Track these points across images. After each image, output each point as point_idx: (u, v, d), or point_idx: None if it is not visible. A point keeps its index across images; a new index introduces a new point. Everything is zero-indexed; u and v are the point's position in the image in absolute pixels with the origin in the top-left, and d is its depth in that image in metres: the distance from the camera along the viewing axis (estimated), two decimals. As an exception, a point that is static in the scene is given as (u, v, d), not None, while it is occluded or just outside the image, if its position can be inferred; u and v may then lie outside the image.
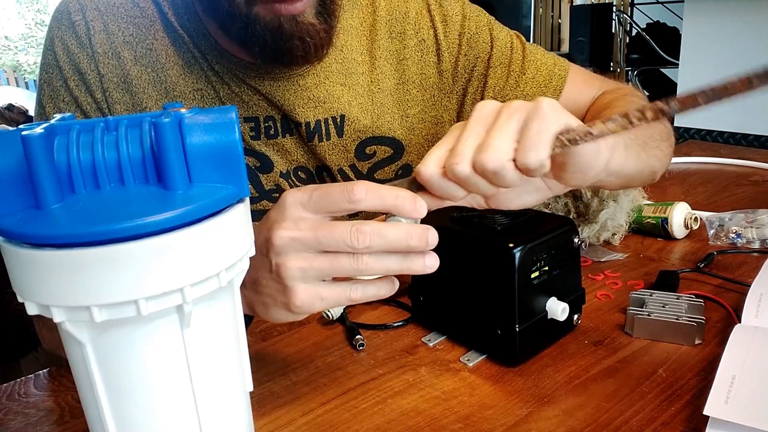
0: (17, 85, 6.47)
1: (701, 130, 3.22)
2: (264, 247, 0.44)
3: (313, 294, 0.44)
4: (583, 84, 0.82)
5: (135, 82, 0.69)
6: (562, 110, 0.42)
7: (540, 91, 0.81)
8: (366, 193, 0.42)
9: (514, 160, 0.42)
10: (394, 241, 0.42)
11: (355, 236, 0.41)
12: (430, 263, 0.44)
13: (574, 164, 0.44)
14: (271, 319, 0.48)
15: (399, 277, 0.72)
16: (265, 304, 0.47)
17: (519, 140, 0.42)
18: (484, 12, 0.84)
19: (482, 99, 0.81)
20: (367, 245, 0.41)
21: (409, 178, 0.45)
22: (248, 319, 0.58)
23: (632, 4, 4.77)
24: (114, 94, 0.69)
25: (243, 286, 0.47)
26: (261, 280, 0.45)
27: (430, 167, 0.43)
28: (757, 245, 0.78)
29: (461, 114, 0.84)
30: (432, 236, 0.42)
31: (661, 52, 4.00)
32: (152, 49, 0.69)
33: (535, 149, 0.41)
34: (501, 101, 0.81)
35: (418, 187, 0.45)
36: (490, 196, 0.47)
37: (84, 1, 0.69)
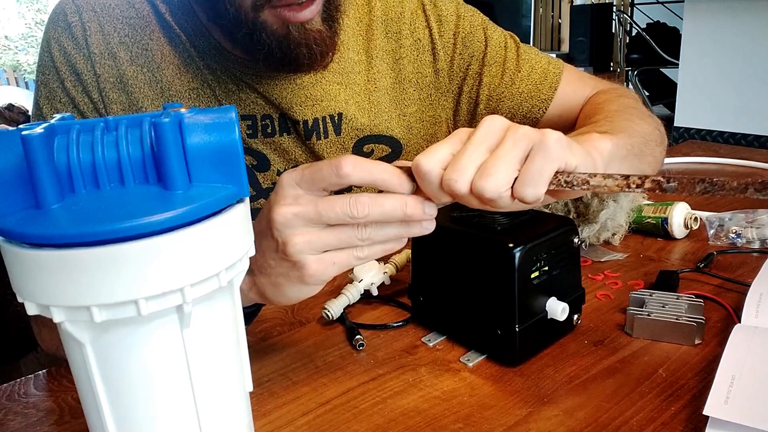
0: (17, 85, 6.47)
1: (701, 130, 3.22)
2: (267, 228, 0.45)
3: (324, 261, 0.45)
4: (578, 83, 0.83)
5: (131, 82, 0.69)
6: (568, 146, 0.42)
7: (535, 89, 0.81)
8: (353, 168, 0.43)
9: (511, 187, 0.42)
10: (390, 209, 0.43)
11: (354, 206, 0.43)
12: (428, 226, 0.45)
13: (567, 192, 0.45)
14: (284, 298, 0.48)
15: (399, 276, 0.72)
16: (277, 284, 0.47)
17: (520, 171, 0.42)
18: (478, 12, 0.84)
19: (477, 97, 0.82)
20: (366, 214, 0.43)
21: (402, 165, 0.45)
22: (248, 319, 0.58)
23: (632, 4, 4.77)
24: (110, 94, 0.69)
25: (250, 272, 0.48)
26: (269, 261, 0.46)
27: (430, 163, 0.43)
28: (757, 245, 0.78)
29: (457, 113, 0.84)
30: (428, 207, 0.44)
31: (661, 52, 4.00)
32: (148, 49, 0.69)
33: (533, 185, 0.41)
34: (496, 99, 0.82)
35: (409, 176, 0.45)
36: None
37: (80, 3, 0.69)
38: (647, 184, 0.40)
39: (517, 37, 0.85)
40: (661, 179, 0.39)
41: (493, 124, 0.43)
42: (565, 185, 0.42)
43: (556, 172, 0.42)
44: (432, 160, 0.43)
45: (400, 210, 0.43)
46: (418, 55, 0.80)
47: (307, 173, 0.44)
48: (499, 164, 0.41)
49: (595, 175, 0.41)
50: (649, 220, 0.83)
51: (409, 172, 0.44)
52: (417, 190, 0.44)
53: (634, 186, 0.40)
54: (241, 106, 0.72)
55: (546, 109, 0.81)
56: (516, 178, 0.42)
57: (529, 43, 0.87)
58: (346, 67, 0.76)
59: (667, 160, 1.17)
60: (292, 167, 0.76)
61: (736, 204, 0.94)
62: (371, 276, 0.68)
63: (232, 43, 0.68)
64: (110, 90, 0.69)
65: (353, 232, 0.44)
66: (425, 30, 0.80)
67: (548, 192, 0.43)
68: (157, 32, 0.70)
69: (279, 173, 0.76)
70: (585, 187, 0.42)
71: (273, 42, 0.62)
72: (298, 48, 0.63)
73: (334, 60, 0.75)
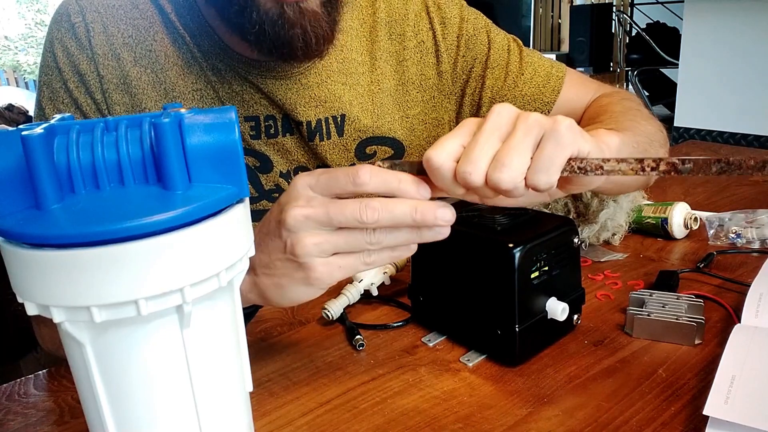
0: (17, 85, 6.47)
1: (701, 130, 3.22)
2: (276, 229, 0.45)
3: (331, 264, 0.45)
4: (580, 86, 0.83)
5: (134, 83, 0.69)
6: (579, 132, 0.42)
7: (538, 92, 0.81)
8: (370, 177, 0.43)
9: (525, 177, 0.42)
10: (400, 215, 0.43)
11: (364, 212, 0.42)
12: (442, 231, 0.44)
13: (578, 181, 0.45)
14: (286, 300, 0.48)
15: (399, 276, 0.72)
16: (280, 285, 0.47)
17: (533, 159, 0.42)
18: (482, 15, 0.84)
19: (480, 100, 0.82)
20: (376, 219, 0.43)
21: (413, 161, 0.45)
22: (249, 315, 0.58)
23: (632, 4, 4.77)
24: (114, 95, 0.69)
25: (253, 272, 0.48)
26: (275, 262, 0.46)
27: (441, 157, 0.42)
28: (756, 245, 0.78)
29: (460, 115, 0.84)
30: (442, 212, 0.43)
31: (661, 52, 4.00)
32: (151, 50, 0.69)
33: (546, 172, 0.41)
34: (499, 101, 0.82)
35: (419, 171, 0.44)
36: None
37: (84, 4, 0.69)
38: (662, 167, 0.39)
39: (519, 41, 0.85)
40: (676, 161, 0.38)
41: (503, 113, 0.43)
42: (578, 171, 0.41)
43: (569, 159, 0.42)
44: (443, 154, 0.42)
45: (409, 215, 0.43)
46: (421, 57, 0.80)
47: (323, 178, 0.44)
48: (513, 154, 0.41)
49: (608, 159, 0.41)
50: (649, 220, 0.83)
51: (421, 167, 0.44)
52: (432, 186, 0.44)
53: (649, 169, 0.39)
54: (245, 107, 0.72)
55: (549, 112, 0.81)
56: (529, 167, 0.42)
57: (529, 44, 0.87)
58: (350, 68, 0.76)
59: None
60: (294, 169, 0.77)
61: (736, 204, 0.94)
62: (371, 276, 0.68)
63: (225, 26, 0.67)
64: (113, 91, 0.69)
65: (363, 235, 0.44)
66: (429, 32, 0.80)
67: (561, 182, 0.43)
68: (161, 33, 0.70)
69: (282, 175, 0.76)
70: (599, 172, 0.41)
71: (266, 22, 0.61)
72: (292, 29, 0.61)
73: (338, 61, 0.75)
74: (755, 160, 0.35)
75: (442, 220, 0.43)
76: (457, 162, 0.42)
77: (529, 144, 0.41)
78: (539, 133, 0.42)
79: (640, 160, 0.40)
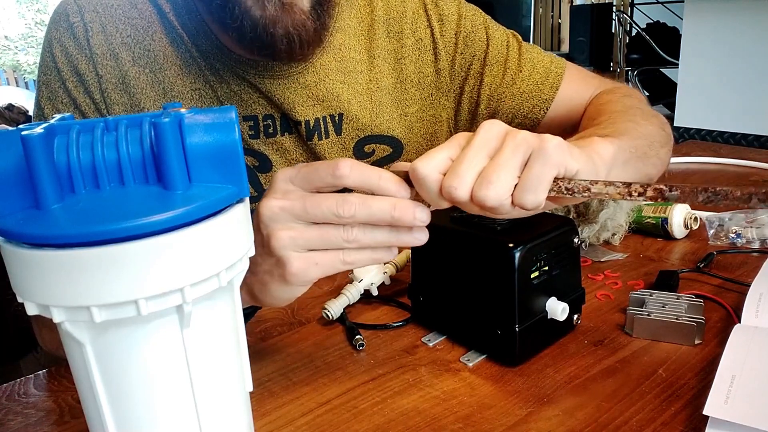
0: (17, 85, 6.47)
1: (701, 130, 3.22)
2: (256, 223, 0.45)
3: (307, 260, 0.44)
4: (581, 82, 0.82)
5: (133, 83, 0.69)
6: (568, 150, 0.42)
7: (536, 89, 0.81)
8: (350, 170, 0.42)
9: (512, 196, 0.42)
10: (378, 212, 0.42)
11: (341, 205, 0.42)
12: (419, 237, 0.44)
13: (569, 198, 0.44)
14: (271, 300, 0.48)
15: (399, 276, 0.72)
16: (263, 282, 0.47)
17: (519, 178, 0.41)
18: (480, 11, 0.84)
19: (479, 97, 0.82)
20: (352, 214, 0.42)
21: (399, 170, 0.45)
22: (247, 316, 0.58)
23: (632, 4, 4.77)
24: (112, 94, 0.69)
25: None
26: (257, 258, 0.46)
27: (427, 168, 0.42)
28: (756, 245, 0.78)
29: (458, 112, 0.84)
30: (420, 212, 0.43)
31: (661, 52, 4.00)
32: (150, 50, 0.69)
33: (533, 192, 0.41)
34: (497, 99, 0.82)
35: (405, 179, 0.44)
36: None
37: (82, 3, 0.69)
38: (649, 193, 0.39)
39: (519, 36, 0.85)
40: (664, 188, 0.39)
41: (491, 130, 0.42)
42: (566, 192, 0.41)
43: (557, 179, 0.41)
44: (429, 165, 0.42)
45: (387, 212, 0.42)
46: (419, 55, 0.80)
47: (303, 171, 0.44)
48: (500, 172, 0.41)
49: (596, 182, 0.41)
50: (649, 220, 0.83)
51: (407, 177, 0.44)
52: (415, 196, 0.44)
53: (636, 194, 0.40)
54: (243, 106, 0.72)
55: (547, 109, 0.81)
56: (516, 185, 0.41)
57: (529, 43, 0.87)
58: (348, 67, 0.76)
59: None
60: (293, 167, 0.77)
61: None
62: (371, 276, 0.68)
63: (212, 19, 0.67)
64: (112, 91, 0.69)
65: (339, 232, 0.43)
66: (427, 29, 0.80)
67: (549, 198, 0.43)
68: (159, 33, 0.70)
69: None
70: (586, 194, 0.41)
71: (246, 18, 0.60)
72: (273, 28, 0.60)
73: (336, 59, 0.75)
74: (741, 191, 0.36)
75: (419, 220, 0.43)
76: (444, 175, 0.42)
77: (516, 162, 0.41)
78: (527, 152, 0.41)
79: (628, 185, 0.40)
